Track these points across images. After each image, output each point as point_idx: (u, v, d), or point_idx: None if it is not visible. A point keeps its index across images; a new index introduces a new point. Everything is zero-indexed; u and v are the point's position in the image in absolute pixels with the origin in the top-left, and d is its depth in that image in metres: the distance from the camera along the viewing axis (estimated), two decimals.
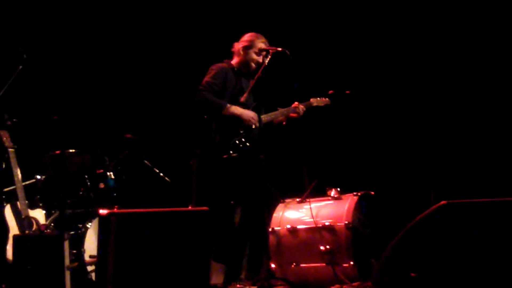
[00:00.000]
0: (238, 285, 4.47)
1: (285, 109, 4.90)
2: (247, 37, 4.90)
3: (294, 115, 4.90)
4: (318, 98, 5.07)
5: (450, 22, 5.75)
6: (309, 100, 5.02)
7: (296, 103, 4.90)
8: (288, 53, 4.65)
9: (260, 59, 4.83)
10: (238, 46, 4.92)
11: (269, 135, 4.85)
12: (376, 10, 6.01)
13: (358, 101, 5.45)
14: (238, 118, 4.67)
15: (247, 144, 4.67)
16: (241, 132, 4.68)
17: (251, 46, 4.86)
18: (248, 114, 4.70)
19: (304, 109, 4.93)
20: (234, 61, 4.93)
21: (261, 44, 4.85)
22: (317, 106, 5.05)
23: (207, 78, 4.74)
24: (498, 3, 5.57)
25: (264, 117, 4.80)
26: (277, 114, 4.89)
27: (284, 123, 4.94)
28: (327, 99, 5.09)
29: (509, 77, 5.59)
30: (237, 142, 4.65)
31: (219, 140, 4.67)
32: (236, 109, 4.67)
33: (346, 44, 6.09)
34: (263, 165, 4.70)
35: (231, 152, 4.60)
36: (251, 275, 4.65)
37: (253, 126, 4.69)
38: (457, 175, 5.59)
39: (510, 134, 5.55)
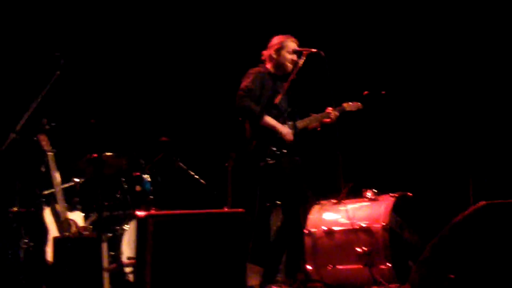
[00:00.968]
0: (274, 287, 4.46)
1: (318, 114, 4.87)
2: (276, 39, 4.87)
3: (327, 120, 4.86)
4: (351, 103, 5.03)
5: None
6: (341, 105, 4.99)
7: (329, 108, 4.87)
8: (322, 54, 4.62)
9: (294, 57, 4.79)
10: (268, 51, 4.89)
11: (304, 139, 4.83)
12: (408, 11, 5.95)
13: (394, 101, 5.40)
14: (273, 129, 4.66)
15: (284, 151, 4.65)
16: (278, 138, 4.65)
17: (283, 47, 4.82)
18: (283, 130, 4.67)
19: (337, 114, 4.89)
20: (268, 65, 4.90)
21: (292, 43, 4.81)
22: (350, 111, 5.02)
23: (246, 83, 4.70)
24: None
25: (299, 124, 4.78)
26: (311, 120, 4.85)
27: (318, 128, 4.91)
28: (359, 103, 5.05)
29: None
30: (274, 149, 4.63)
31: (256, 146, 4.65)
32: (273, 123, 4.65)
33: (380, 44, 6.05)
34: (300, 167, 4.69)
35: (268, 159, 4.59)
36: (287, 277, 4.64)
37: (290, 138, 4.67)
38: (496, 175, 5.50)
39: None
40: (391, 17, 6.05)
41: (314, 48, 4.68)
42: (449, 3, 5.85)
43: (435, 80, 5.86)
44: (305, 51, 4.71)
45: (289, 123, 4.72)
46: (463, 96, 5.72)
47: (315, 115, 4.88)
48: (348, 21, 6.17)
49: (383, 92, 4.94)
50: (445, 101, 5.81)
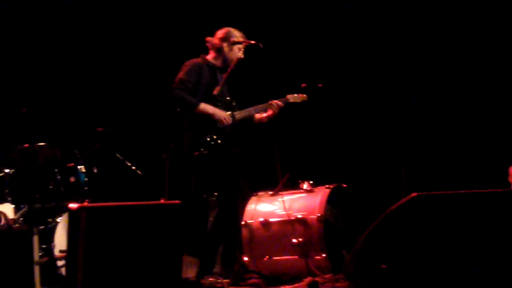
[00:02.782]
0: (210, 279, 4.45)
1: (259, 105, 4.85)
2: (222, 31, 4.85)
3: (270, 112, 4.83)
4: (295, 94, 5.00)
5: (420, 13, 5.79)
6: (285, 96, 4.95)
7: (272, 100, 4.83)
8: (261, 46, 4.62)
9: (238, 53, 4.78)
10: (213, 40, 4.86)
11: (243, 131, 4.82)
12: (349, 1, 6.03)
13: (330, 94, 5.45)
14: (210, 116, 4.63)
15: (219, 141, 4.64)
16: (213, 129, 4.64)
17: (228, 40, 4.81)
18: (220, 114, 4.65)
19: (281, 105, 4.86)
20: (210, 56, 4.87)
21: (239, 38, 4.81)
22: (294, 103, 4.98)
23: (180, 75, 4.68)
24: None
25: (238, 114, 4.77)
26: (250, 111, 4.83)
27: (265, 121, 4.88)
28: (304, 95, 5.03)
29: (478, 69, 5.65)
30: (208, 139, 4.62)
31: (192, 136, 4.64)
32: (208, 108, 4.63)
33: (318, 37, 6.09)
34: (236, 159, 4.69)
35: (202, 149, 4.57)
36: (224, 268, 4.63)
37: (224, 125, 4.65)
38: (427, 167, 5.64)
39: (480, 126, 5.61)
40: (331, 9, 6.10)
41: (253, 40, 4.69)
42: None
43: (369, 73, 5.96)
44: (245, 42, 4.72)
45: (227, 113, 4.71)
46: (396, 88, 5.83)
47: (256, 106, 4.85)
48: (288, 14, 6.18)
49: (320, 85, 4.98)
50: (379, 93, 5.91)
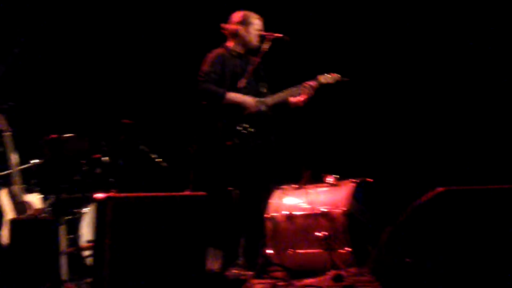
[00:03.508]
0: (234, 271, 4.46)
1: (291, 88, 4.70)
2: (241, 15, 4.77)
3: (304, 96, 4.67)
4: (327, 75, 4.78)
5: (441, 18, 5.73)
6: (316, 78, 4.76)
7: (305, 83, 4.70)
8: (287, 39, 4.60)
9: (258, 33, 4.70)
10: (230, 26, 4.79)
11: (278, 117, 4.73)
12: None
13: (357, 88, 5.42)
14: (239, 105, 4.61)
15: (251, 130, 4.61)
16: (244, 118, 4.60)
17: (250, 23, 4.74)
18: (250, 101, 4.62)
19: (315, 85, 4.68)
20: (230, 43, 4.84)
21: (258, 21, 4.75)
22: (327, 84, 4.78)
23: (204, 67, 4.67)
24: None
25: (270, 100, 4.72)
26: (283, 95, 4.70)
27: (301, 104, 4.72)
28: (337, 74, 4.80)
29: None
30: (239, 128, 4.59)
31: (223, 126, 4.62)
32: (236, 97, 4.60)
33: (344, 30, 6.05)
34: (262, 151, 4.68)
35: (234, 139, 4.55)
36: (248, 261, 4.64)
37: (258, 109, 4.59)
38: (455, 161, 5.58)
39: (506, 123, 5.54)
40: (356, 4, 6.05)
41: (279, 33, 4.65)
42: None
43: (395, 67, 5.90)
44: (270, 35, 4.68)
45: (258, 99, 4.66)
46: (424, 83, 5.77)
47: (289, 89, 4.71)
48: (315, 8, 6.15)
49: (347, 79, 4.93)
50: (407, 87, 5.85)
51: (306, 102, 4.75)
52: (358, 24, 6.01)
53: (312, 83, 4.73)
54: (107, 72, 6.41)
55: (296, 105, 4.78)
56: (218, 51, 4.78)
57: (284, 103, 4.76)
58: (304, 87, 4.71)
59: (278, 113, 4.74)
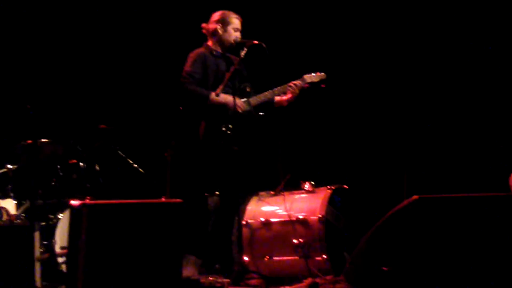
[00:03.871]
0: (210, 278, 4.45)
1: (276, 88, 4.69)
2: (220, 14, 4.77)
3: (290, 95, 4.70)
4: (313, 74, 4.80)
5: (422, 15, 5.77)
6: (301, 77, 4.77)
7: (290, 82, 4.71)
8: (264, 45, 4.61)
9: (238, 35, 4.71)
10: (211, 26, 4.79)
11: (249, 125, 4.75)
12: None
13: (332, 95, 5.45)
14: (224, 105, 4.60)
15: (228, 132, 4.59)
16: (228, 118, 4.59)
17: (228, 23, 4.74)
18: (229, 101, 4.61)
19: (300, 85, 4.71)
20: (210, 42, 4.83)
21: (236, 20, 4.75)
22: (311, 82, 4.78)
23: (186, 68, 4.66)
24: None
25: (254, 100, 4.71)
26: (267, 95, 4.70)
27: (285, 104, 4.75)
28: (322, 73, 4.82)
29: (480, 70, 5.64)
30: (224, 129, 4.58)
31: (206, 127, 4.60)
32: (221, 98, 4.57)
33: (318, 35, 6.07)
34: (238, 157, 4.68)
35: (217, 140, 4.54)
36: (224, 268, 4.64)
37: (242, 109, 4.60)
38: (429, 169, 5.64)
39: (482, 129, 5.60)
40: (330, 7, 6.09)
41: (256, 40, 4.66)
42: None
43: (373, 73, 5.94)
44: (247, 42, 4.68)
45: (242, 99, 4.67)
46: (399, 90, 5.82)
47: (273, 89, 4.69)
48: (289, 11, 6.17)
49: (323, 85, 4.95)
50: (382, 95, 5.90)
51: (291, 102, 4.77)
52: (346, 27, 6.04)
53: (297, 82, 4.75)
54: (84, 76, 6.36)
55: (280, 104, 4.80)
56: (199, 50, 4.78)
57: (268, 103, 4.76)
58: (290, 86, 4.72)
59: (262, 113, 4.74)
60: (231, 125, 4.58)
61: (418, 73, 5.80)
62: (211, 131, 4.58)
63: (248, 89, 4.74)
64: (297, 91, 4.72)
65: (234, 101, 4.52)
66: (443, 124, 5.71)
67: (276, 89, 4.70)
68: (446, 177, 5.53)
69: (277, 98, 4.76)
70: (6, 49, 4.88)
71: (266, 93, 4.72)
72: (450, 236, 3.15)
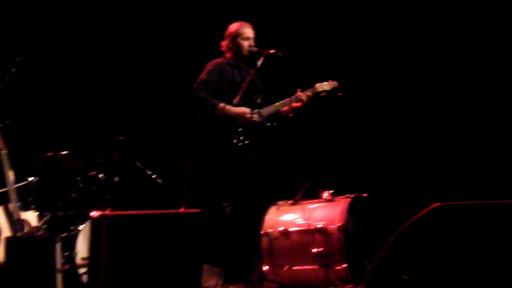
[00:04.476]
0: (230, 287, 4.45)
1: (287, 99, 4.75)
2: (231, 27, 4.84)
3: (298, 104, 4.75)
4: (324, 82, 4.85)
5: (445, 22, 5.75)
6: (312, 86, 4.82)
7: (299, 90, 4.74)
8: (280, 54, 4.62)
9: (251, 42, 4.73)
10: (225, 41, 4.86)
11: (267, 134, 4.77)
12: (370, 7, 6.00)
13: (351, 103, 5.44)
14: (233, 117, 4.62)
15: (246, 142, 4.61)
16: (239, 130, 4.62)
17: (238, 35, 4.79)
18: (244, 111, 4.63)
19: (310, 95, 4.76)
20: (228, 55, 4.87)
21: (247, 29, 4.79)
22: (323, 91, 4.82)
23: (202, 76, 4.70)
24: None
25: (265, 111, 4.74)
26: (278, 106, 4.75)
27: (291, 115, 4.80)
28: (334, 81, 4.87)
29: (503, 78, 5.59)
30: (235, 141, 4.60)
31: (217, 138, 4.62)
32: (231, 109, 4.61)
33: (338, 45, 6.07)
34: (256, 167, 4.69)
35: (228, 151, 4.56)
36: (243, 278, 4.63)
37: (252, 120, 4.62)
38: (451, 176, 5.60)
39: (505, 136, 5.56)
40: (350, 14, 6.08)
41: (272, 49, 4.68)
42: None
43: (391, 82, 5.92)
44: (264, 51, 4.71)
45: (254, 110, 4.69)
46: (419, 98, 5.79)
47: (284, 100, 4.76)
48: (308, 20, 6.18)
49: (340, 94, 4.95)
50: (402, 103, 5.87)
51: (298, 110, 4.79)
52: (356, 38, 6.03)
53: (307, 92, 4.77)
54: (102, 89, 6.42)
55: (286, 113, 4.83)
56: (217, 60, 4.83)
57: (277, 113, 4.79)
58: (298, 95, 4.74)
59: (272, 123, 4.76)
60: (243, 137, 4.60)
61: (438, 81, 5.77)
62: (222, 143, 4.60)
63: (259, 100, 4.76)
64: (305, 101, 4.75)
65: (251, 112, 4.55)
66: (463, 130, 5.67)
67: (286, 100, 4.75)
68: (467, 183, 5.48)
69: (284, 108, 4.80)
70: (26, 63, 4.93)
71: (277, 103, 4.76)
72: (473, 244, 3.12)
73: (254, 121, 4.64)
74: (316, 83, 4.84)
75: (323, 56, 6.03)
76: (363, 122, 6.00)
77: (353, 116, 5.97)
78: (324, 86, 4.83)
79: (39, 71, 6.01)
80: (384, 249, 3.36)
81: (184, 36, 6.42)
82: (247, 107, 4.67)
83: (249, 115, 4.61)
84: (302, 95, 4.74)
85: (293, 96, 4.76)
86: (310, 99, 4.76)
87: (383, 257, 3.37)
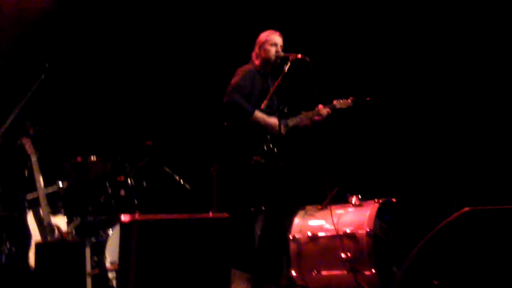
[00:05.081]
0: None
1: (309, 112, 4.87)
2: (261, 35, 4.89)
3: (318, 118, 4.86)
4: (341, 100, 5.02)
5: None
6: (332, 102, 4.99)
7: (320, 105, 4.88)
8: (307, 59, 4.63)
9: (278, 48, 4.77)
10: (255, 50, 4.90)
11: (295, 139, 4.81)
12: (397, 16, 5.97)
13: (379, 107, 5.41)
14: (264, 126, 4.64)
15: (275, 150, 4.64)
16: (268, 137, 4.64)
17: (266, 41, 4.83)
18: (274, 124, 4.65)
19: (329, 111, 4.90)
20: (257, 63, 4.89)
21: (273, 36, 4.82)
22: (340, 109, 5.00)
23: (236, 79, 4.69)
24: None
25: (290, 122, 4.77)
26: (302, 118, 4.84)
27: (309, 126, 4.91)
28: (348, 100, 5.04)
29: None
30: (265, 148, 4.61)
31: (247, 144, 4.63)
32: (264, 118, 4.63)
33: (367, 50, 6.06)
34: (285, 172, 4.68)
35: (258, 158, 4.57)
36: (272, 282, 4.62)
37: (281, 133, 4.65)
38: (480, 181, 5.53)
39: None
40: (377, 22, 6.06)
41: (300, 54, 4.68)
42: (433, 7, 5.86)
43: (419, 87, 5.88)
44: (291, 56, 4.70)
45: (283, 122, 4.71)
46: (449, 103, 5.74)
47: (305, 112, 4.87)
48: (334, 26, 6.17)
49: (368, 98, 4.95)
50: (431, 107, 5.83)
51: (315, 123, 4.90)
52: (376, 45, 6.02)
53: (327, 108, 4.91)
54: (131, 94, 6.47)
55: (305, 125, 4.91)
56: (248, 67, 4.83)
57: (296, 125, 4.87)
58: (319, 111, 4.86)
59: (292, 135, 4.81)
60: (272, 144, 4.61)
61: (465, 84, 5.71)
62: (251, 148, 4.60)
63: (286, 110, 4.78)
64: (325, 116, 4.89)
65: (280, 124, 4.58)
66: (493, 134, 5.60)
67: (308, 113, 4.87)
68: (497, 188, 5.40)
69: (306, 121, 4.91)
70: (55, 69, 5.00)
71: (300, 116, 4.85)
72: (503, 249, 3.08)
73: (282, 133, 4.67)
74: (335, 99, 5.02)
75: (348, 62, 6.03)
76: (392, 127, 5.97)
77: (382, 121, 5.94)
78: (342, 104, 5.02)
79: (68, 77, 6.07)
80: (414, 254, 3.33)
81: (213, 40, 6.44)
82: (275, 115, 4.69)
83: (277, 129, 4.63)
84: (323, 110, 4.86)
85: (314, 111, 4.88)
86: (329, 114, 4.91)
87: (413, 262, 3.34)
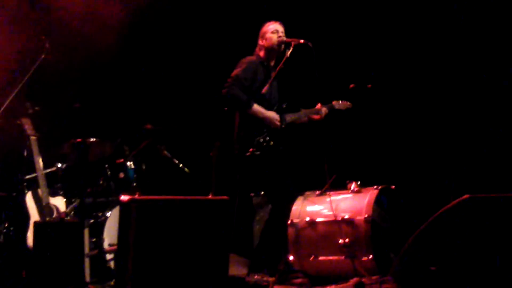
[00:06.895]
0: (256, 276, 4.46)
1: (308, 110, 4.91)
2: (262, 28, 4.89)
3: (317, 117, 4.91)
4: (340, 102, 5.10)
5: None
6: (331, 102, 5.05)
7: (319, 104, 4.92)
8: (310, 44, 4.61)
9: (280, 34, 4.77)
10: (258, 43, 4.90)
11: (291, 133, 4.84)
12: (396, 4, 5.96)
13: (379, 95, 5.41)
14: (262, 119, 4.65)
15: (271, 143, 4.64)
16: (265, 130, 4.65)
17: (267, 30, 4.82)
18: (272, 118, 4.65)
19: (327, 111, 4.95)
20: (261, 54, 4.88)
21: (275, 24, 4.82)
22: (339, 110, 5.09)
23: (237, 72, 4.67)
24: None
25: (289, 117, 4.78)
26: (300, 115, 4.88)
27: (306, 123, 4.97)
28: (348, 103, 5.14)
29: None
30: (261, 140, 4.62)
31: (243, 136, 4.64)
32: (261, 111, 4.64)
33: (367, 37, 6.04)
34: (284, 158, 4.69)
35: (253, 150, 4.58)
36: (269, 267, 4.64)
37: (278, 127, 4.67)
38: (479, 168, 5.53)
39: None
40: (379, 10, 6.04)
41: (302, 39, 4.67)
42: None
43: (420, 73, 5.87)
44: (293, 41, 4.70)
45: (281, 117, 4.73)
46: (447, 89, 5.74)
47: (305, 110, 4.90)
48: (336, 13, 6.15)
49: (369, 85, 4.94)
50: (429, 94, 5.83)
51: (312, 121, 4.97)
52: (379, 31, 6.01)
53: (326, 108, 4.96)
54: (131, 77, 6.46)
55: (302, 122, 4.97)
56: (252, 58, 4.81)
57: (294, 122, 4.89)
58: (318, 110, 4.91)
59: (292, 128, 4.87)
60: (268, 137, 4.62)
61: (463, 74, 5.71)
62: (248, 139, 4.61)
63: (284, 106, 4.78)
64: (323, 116, 4.93)
65: (281, 118, 4.61)
66: (492, 121, 5.60)
67: (307, 110, 4.92)
68: (497, 175, 5.41)
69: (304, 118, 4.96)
70: (56, 50, 4.99)
71: (299, 113, 4.88)
72: (501, 236, 3.09)
73: (280, 127, 4.67)
74: (334, 100, 5.09)
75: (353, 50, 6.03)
76: (392, 114, 5.96)
77: (381, 108, 5.94)
78: (341, 105, 5.11)
79: (68, 57, 6.05)
80: (411, 240, 3.35)
81: (214, 27, 6.42)
82: (273, 109, 4.70)
83: (278, 122, 4.63)
84: (322, 109, 4.90)
85: (313, 109, 4.92)
86: (327, 114, 4.96)
87: (410, 248, 3.36)
